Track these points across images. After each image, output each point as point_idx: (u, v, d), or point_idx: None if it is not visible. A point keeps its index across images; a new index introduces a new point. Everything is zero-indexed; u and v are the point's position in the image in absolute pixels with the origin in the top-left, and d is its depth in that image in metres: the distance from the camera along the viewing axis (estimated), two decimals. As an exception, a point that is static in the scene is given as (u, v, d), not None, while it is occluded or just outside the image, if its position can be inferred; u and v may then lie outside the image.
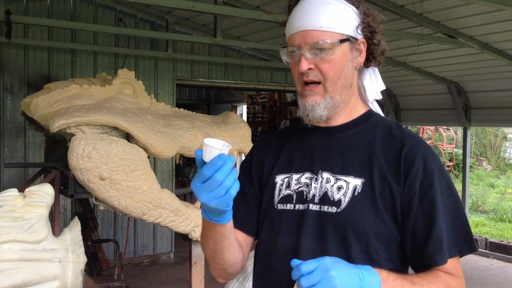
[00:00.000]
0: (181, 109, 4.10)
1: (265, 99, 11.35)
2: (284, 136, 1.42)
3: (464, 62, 6.36)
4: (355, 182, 1.24)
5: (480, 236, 7.78)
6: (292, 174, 1.31)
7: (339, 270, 1.02)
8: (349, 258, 1.20)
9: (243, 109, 13.07)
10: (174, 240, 7.02)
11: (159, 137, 3.57)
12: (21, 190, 3.06)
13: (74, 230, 2.90)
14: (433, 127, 15.08)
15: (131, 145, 3.46)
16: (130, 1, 5.15)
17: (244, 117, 12.44)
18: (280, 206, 1.30)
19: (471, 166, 13.16)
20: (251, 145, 3.88)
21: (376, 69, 1.39)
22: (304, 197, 1.27)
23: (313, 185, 1.27)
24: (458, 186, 12.26)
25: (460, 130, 13.49)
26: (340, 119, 1.32)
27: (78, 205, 4.74)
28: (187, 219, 3.80)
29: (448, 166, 14.95)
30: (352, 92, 1.33)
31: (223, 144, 1.06)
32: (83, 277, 3.02)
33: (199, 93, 12.11)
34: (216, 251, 1.29)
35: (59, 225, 3.37)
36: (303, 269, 1.02)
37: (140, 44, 6.73)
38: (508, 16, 4.73)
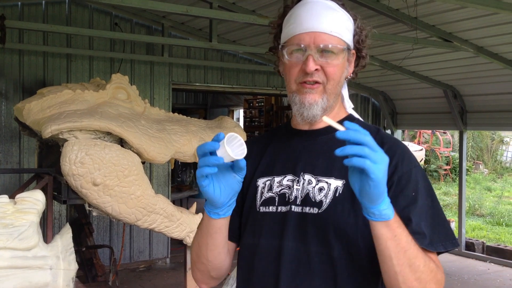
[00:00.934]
0: (176, 114, 4.08)
1: (262, 103, 11.34)
2: (266, 140, 1.43)
3: (460, 65, 6.37)
4: (336, 184, 1.26)
5: (477, 240, 7.77)
6: (274, 177, 1.33)
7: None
8: (331, 258, 1.22)
9: (240, 113, 13.07)
10: (170, 245, 6.99)
11: (153, 142, 3.55)
12: (13, 196, 3.03)
13: (66, 237, 2.88)
14: (430, 131, 15.10)
15: (124, 150, 3.44)
16: (126, 6, 5.14)
17: (241, 121, 12.44)
18: (262, 209, 1.31)
19: (467, 170, 13.19)
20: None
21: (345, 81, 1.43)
22: (286, 199, 1.29)
23: (295, 187, 1.29)
24: (455, 190, 12.28)
25: (456, 134, 13.51)
26: (323, 123, 1.33)
27: (73, 210, 4.72)
28: (182, 224, 3.78)
29: (445, 169, 14.97)
30: (338, 100, 1.37)
31: (237, 146, 1.16)
32: (74, 285, 3.00)
33: (196, 97, 12.11)
34: (201, 246, 1.31)
35: (53, 231, 3.34)
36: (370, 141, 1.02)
37: (135, 49, 6.72)
38: (503, 19, 4.73)
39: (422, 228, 1.20)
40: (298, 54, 1.27)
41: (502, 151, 16.97)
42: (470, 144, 15.40)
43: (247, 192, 1.35)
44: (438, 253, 1.24)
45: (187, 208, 4.08)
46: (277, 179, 1.32)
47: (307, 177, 1.29)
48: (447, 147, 15.41)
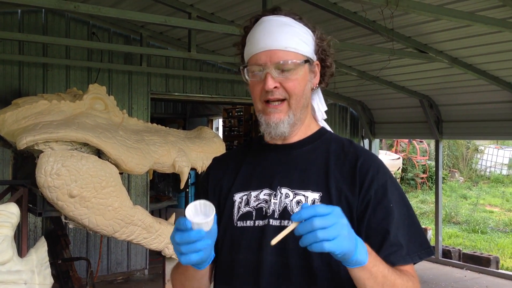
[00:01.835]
0: (154, 124, 4.05)
1: (241, 113, 11.35)
2: (241, 154, 1.44)
3: (435, 76, 6.49)
4: (313, 196, 1.27)
5: (453, 248, 7.88)
6: (250, 192, 1.34)
7: (347, 221, 1.07)
8: (311, 270, 1.23)
9: (219, 122, 13.05)
10: (148, 256, 6.91)
11: (131, 153, 3.51)
12: (-14, 209, 2.96)
13: (41, 251, 2.82)
14: (407, 140, 15.32)
15: (102, 161, 3.40)
16: (103, 15, 5.10)
17: (220, 131, 12.41)
18: (239, 224, 1.32)
19: (444, 178, 13.40)
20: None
21: (319, 90, 1.44)
22: (264, 213, 1.30)
23: (272, 200, 1.29)
24: (431, 198, 12.46)
25: (433, 143, 13.73)
26: (296, 137, 1.36)
27: (49, 222, 4.63)
28: (160, 235, 3.74)
29: (422, 178, 15.17)
30: (307, 112, 1.38)
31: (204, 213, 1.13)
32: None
33: (175, 107, 12.05)
34: (185, 286, 1.34)
35: (28, 243, 3.27)
36: (319, 210, 1.03)
37: (113, 58, 6.67)
38: (476, 31, 4.85)
39: (399, 239, 1.23)
40: (258, 73, 1.29)
41: (477, 159, 17.31)
42: (446, 152, 15.67)
43: (224, 207, 1.35)
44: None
45: (166, 219, 4.05)
46: (253, 193, 1.33)
47: (284, 190, 1.30)
48: (423, 156, 15.64)
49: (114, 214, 3.42)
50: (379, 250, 1.21)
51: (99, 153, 3.47)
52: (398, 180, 14.81)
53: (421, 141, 15.63)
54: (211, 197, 1.38)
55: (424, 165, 15.38)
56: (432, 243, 8.06)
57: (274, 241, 1.07)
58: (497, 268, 7.22)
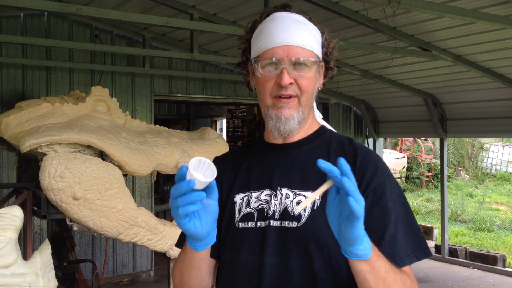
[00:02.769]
0: (157, 126, 4.06)
1: (245, 113, 11.36)
2: (241, 154, 1.43)
3: (439, 74, 6.46)
4: None
5: (460, 246, 7.84)
6: (251, 192, 1.33)
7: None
8: (312, 271, 1.22)
9: (223, 123, 13.05)
10: (154, 257, 6.91)
11: (134, 154, 3.52)
12: (-9, 212, 2.96)
13: (45, 254, 2.82)
14: (412, 139, 15.27)
15: (105, 163, 3.40)
16: (106, 18, 5.11)
17: (224, 132, 12.42)
18: (241, 225, 1.31)
19: (449, 176, 13.35)
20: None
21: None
22: (265, 214, 1.29)
23: (272, 201, 1.29)
24: (437, 196, 12.40)
25: (437, 141, 13.68)
26: (297, 136, 1.35)
27: (54, 225, 4.64)
28: (165, 237, 3.74)
29: (427, 176, 15.12)
30: (311, 111, 1.38)
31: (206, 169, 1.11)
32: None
33: (179, 108, 12.07)
34: (184, 277, 1.31)
35: (33, 246, 3.28)
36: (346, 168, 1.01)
37: (116, 60, 6.68)
38: (480, 29, 4.82)
39: (397, 239, 1.23)
40: (271, 68, 1.28)
41: (483, 157, 17.22)
42: (451, 151, 15.60)
43: (225, 208, 1.34)
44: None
45: (171, 220, 4.05)
46: (254, 194, 1.32)
47: (284, 191, 1.29)
48: (428, 154, 15.58)
49: (118, 216, 3.42)
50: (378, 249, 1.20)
51: (102, 155, 3.48)
52: (403, 179, 14.78)
53: (425, 140, 15.57)
54: None
55: (429, 163, 15.32)
56: (438, 241, 8.03)
57: (300, 206, 1.07)
58: (504, 266, 7.17)
